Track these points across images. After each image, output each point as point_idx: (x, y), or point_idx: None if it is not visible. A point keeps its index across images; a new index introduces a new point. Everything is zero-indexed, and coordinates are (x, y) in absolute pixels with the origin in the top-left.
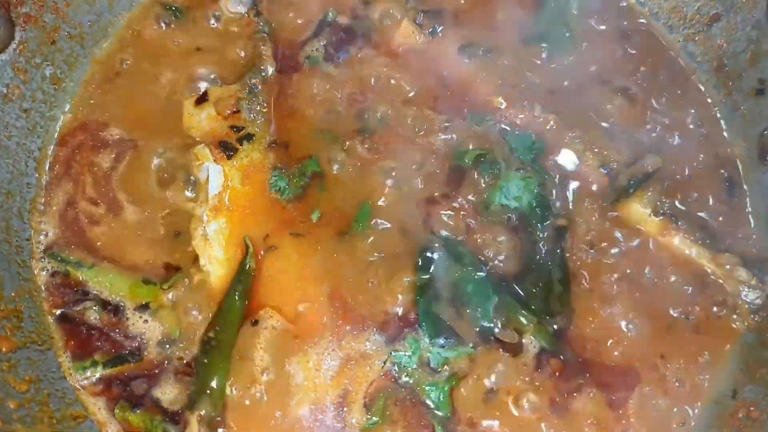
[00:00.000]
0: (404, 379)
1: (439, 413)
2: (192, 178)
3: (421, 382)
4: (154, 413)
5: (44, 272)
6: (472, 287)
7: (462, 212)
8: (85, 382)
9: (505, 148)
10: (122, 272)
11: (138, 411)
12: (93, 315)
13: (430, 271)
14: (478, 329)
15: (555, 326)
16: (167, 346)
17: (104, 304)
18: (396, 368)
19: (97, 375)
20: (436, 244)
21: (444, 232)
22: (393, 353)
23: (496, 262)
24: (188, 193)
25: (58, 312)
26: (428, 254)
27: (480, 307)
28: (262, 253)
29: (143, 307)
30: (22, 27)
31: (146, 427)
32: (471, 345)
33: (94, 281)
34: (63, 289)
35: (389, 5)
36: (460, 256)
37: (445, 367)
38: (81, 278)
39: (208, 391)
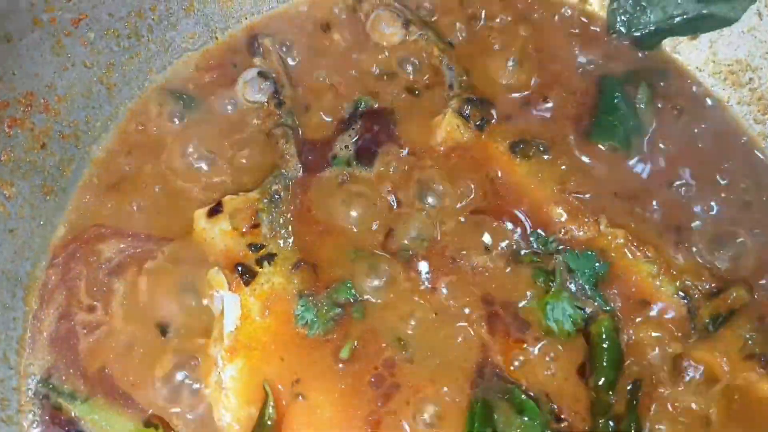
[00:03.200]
0: None
1: None
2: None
3: None
4: None
5: (34, 426)
6: None
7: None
8: None
9: (562, 267)
10: (120, 412)
11: None
12: None
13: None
14: None
15: None
16: None
17: None
18: None
19: None
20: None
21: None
22: None
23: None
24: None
25: None
26: (486, 402)
27: None
28: (284, 402)
29: None
30: (6, 133)
31: None
32: None
33: (89, 419)
34: (52, 428)
35: (432, 93)
36: (522, 405)
37: None
38: (74, 414)
39: None
